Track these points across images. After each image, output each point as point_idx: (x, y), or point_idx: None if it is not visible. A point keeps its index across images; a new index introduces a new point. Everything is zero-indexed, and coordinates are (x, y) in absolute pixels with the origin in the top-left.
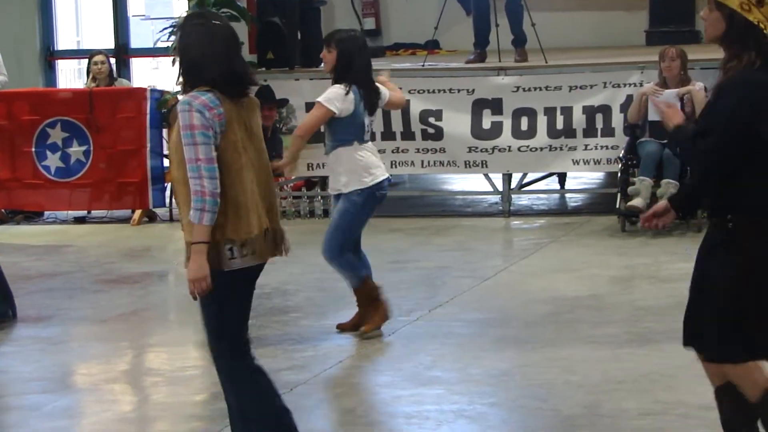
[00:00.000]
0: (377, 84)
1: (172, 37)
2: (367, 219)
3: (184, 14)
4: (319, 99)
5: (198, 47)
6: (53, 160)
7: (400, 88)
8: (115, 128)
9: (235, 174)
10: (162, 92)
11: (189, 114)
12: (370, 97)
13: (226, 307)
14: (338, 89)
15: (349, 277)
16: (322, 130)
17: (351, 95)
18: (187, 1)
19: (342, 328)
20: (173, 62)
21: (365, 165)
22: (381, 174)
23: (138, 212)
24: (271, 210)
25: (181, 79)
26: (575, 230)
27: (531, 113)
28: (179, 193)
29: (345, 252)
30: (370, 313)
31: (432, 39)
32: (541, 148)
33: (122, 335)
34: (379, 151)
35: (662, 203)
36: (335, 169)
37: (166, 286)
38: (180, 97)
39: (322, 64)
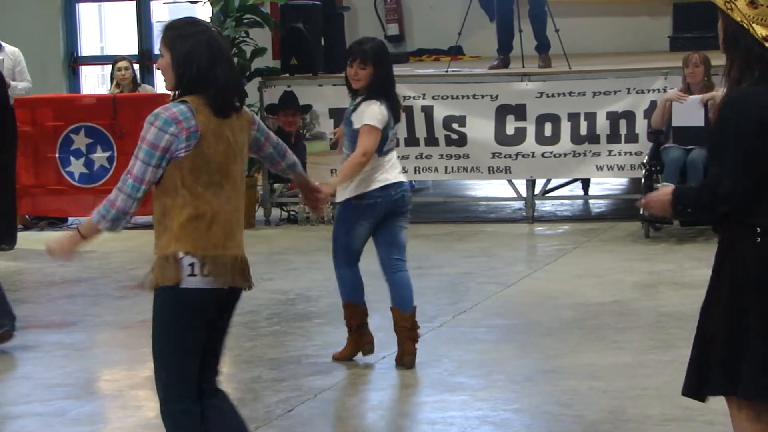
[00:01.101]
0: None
1: None
2: (356, 230)
3: (172, 20)
4: (370, 122)
5: (205, 57)
6: (77, 166)
7: (423, 95)
8: (139, 134)
9: (203, 188)
10: None
11: (149, 128)
12: (396, 108)
13: (178, 332)
14: (381, 109)
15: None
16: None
17: (387, 111)
18: (210, 7)
19: (336, 356)
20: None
21: (365, 177)
22: (376, 184)
23: None
24: (240, 237)
25: (175, 91)
26: (599, 236)
27: (555, 119)
28: (154, 207)
29: (343, 263)
30: (348, 339)
31: (455, 45)
32: (565, 154)
33: (146, 341)
34: (403, 157)
35: (666, 192)
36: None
37: None
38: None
39: (355, 81)
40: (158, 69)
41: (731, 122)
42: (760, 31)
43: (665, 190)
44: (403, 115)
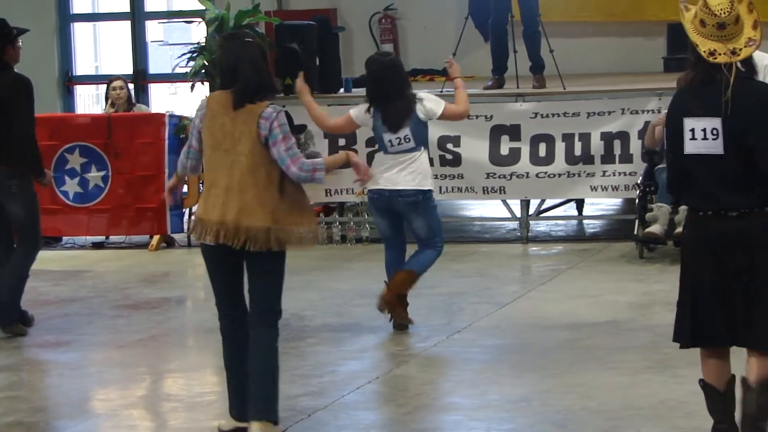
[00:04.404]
0: (421, 99)
1: (191, 63)
2: (379, 219)
3: (224, 34)
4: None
5: (263, 64)
6: (71, 186)
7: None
8: (134, 153)
9: (209, 166)
10: (180, 118)
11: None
12: (389, 115)
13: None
14: (362, 106)
15: None
16: None
17: (368, 113)
18: (205, 27)
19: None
20: (192, 87)
21: (376, 172)
22: (378, 184)
23: (156, 238)
24: None
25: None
26: (593, 256)
27: (549, 139)
28: (248, 186)
29: (386, 249)
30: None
31: None
32: (559, 175)
33: (140, 361)
34: None
35: None
36: None
37: (185, 312)
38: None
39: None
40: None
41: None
42: (701, 46)
43: None
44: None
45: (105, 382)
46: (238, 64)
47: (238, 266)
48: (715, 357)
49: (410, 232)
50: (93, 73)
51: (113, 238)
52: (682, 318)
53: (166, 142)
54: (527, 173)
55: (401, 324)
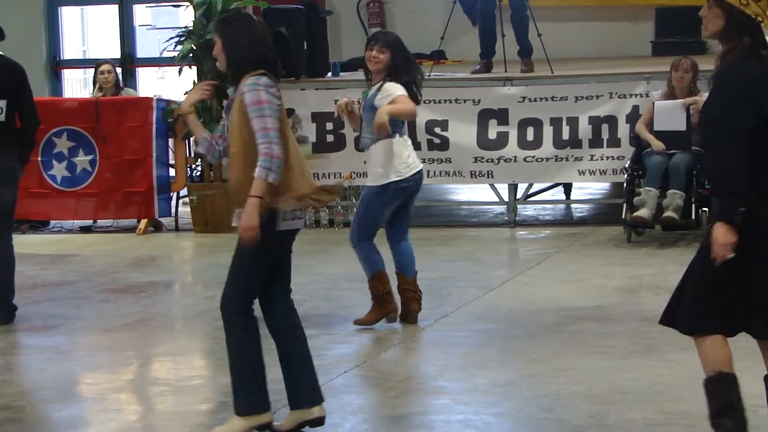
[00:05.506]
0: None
1: (179, 47)
2: (384, 211)
3: (221, 17)
4: (403, 93)
5: (258, 39)
6: (59, 170)
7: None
8: (122, 138)
9: (288, 142)
10: (168, 102)
11: (257, 92)
12: (414, 94)
13: (262, 264)
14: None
15: (362, 267)
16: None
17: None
18: (193, 11)
19: (358, 322)
20: (180, 71)
21: (393, 160)
22: (416, 168)
23: (144, 221)
24: None
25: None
26: (581, 241)
27: (537, 123)
28: (234, 164)
29: (363, 241)
30: (372, 307)
31: (438, 49)
32: (547, 159)
33: (128, 344)
34: None
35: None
36: (374, 161)
37: (172, 296)
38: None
39: (374, 62)
40: (214, 55)
41: (719, 97)
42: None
43: None
44: None
45: (93, 366)
46: (265, 42)
47: None
48: (725, 344)
49: (398, 217)
50: (81, 57)
51: (101, 222)
52: (703, 305)
53: (154, 126)
54: (515, 157)
55: (394, 318)
